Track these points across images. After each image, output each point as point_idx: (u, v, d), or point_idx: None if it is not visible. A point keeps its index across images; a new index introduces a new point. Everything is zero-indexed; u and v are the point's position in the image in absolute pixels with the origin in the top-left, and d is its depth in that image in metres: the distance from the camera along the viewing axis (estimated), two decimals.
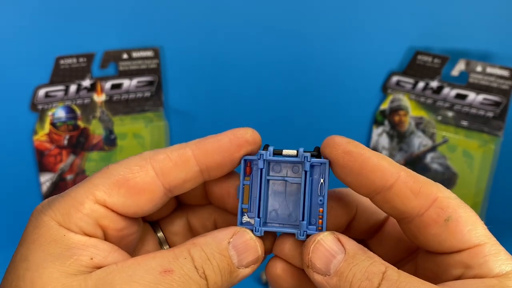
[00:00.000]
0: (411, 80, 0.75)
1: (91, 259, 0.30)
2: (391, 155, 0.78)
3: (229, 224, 0.36)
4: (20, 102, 0.70)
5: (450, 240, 0.31)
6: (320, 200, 0.33)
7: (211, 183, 0.36)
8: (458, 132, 0.74)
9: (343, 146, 0.32)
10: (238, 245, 0.33)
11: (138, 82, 0.74)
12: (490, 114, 0.71)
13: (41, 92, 0.70)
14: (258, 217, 0.34)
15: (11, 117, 0.71)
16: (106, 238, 0.32)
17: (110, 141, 0.75)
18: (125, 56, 0.73)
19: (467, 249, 0.30)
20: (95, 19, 0.71)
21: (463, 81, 0.72)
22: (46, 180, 0.73)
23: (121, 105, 0.75)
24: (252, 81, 0.77)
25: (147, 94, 0.75)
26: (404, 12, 0.73)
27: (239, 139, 0.33)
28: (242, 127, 0.34)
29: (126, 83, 0.74)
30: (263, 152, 0.34)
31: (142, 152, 0.34)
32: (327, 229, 0.33)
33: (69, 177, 0.74)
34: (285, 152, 0.34)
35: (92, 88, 0.72)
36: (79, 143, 0.74)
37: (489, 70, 0.70)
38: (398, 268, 0.30)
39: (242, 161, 0.34)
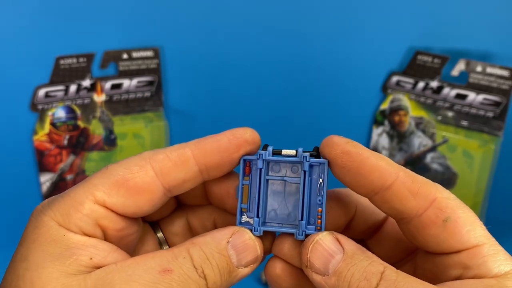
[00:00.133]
0: (411, 80, 0.75)
1: (91, 259, 0.30)
2: (391, 155, 0.78)
3: (229, 224, 0.36)
4: (20, 102, 0.70)
5: (449, 240, 0.31)
6: (319, 200, 0.33)
7: (211, 183, 0.36)
8: (458, 132, 0.74)
9: (341, 146, 0.32)
10: (237, 244, 0.33)
11: (138, 82, 0.74)
12: (490, 114, 0.71)
13: (41, 92, 0.70)
14: (257, 217, 0.34)
15: (11, 117, 0.71)
16: (105, 238, 0.33)
17: (110, 141, 0.75)
18: (125, 56, 0.73)
19: (465, 249, 0.30)
20: (95, 19, 0.71)
21: (463, 81, 0.72)
22: (46, 180, 0.73)
23: (121, 105, 0.75)
24: (252, 81, 0.77)
25: (147, 94, 0.75)
26: (404, 12, 0.73)
27: (238, 139, 0.33)
28: (242, 127, 0.34)
29: (126, 83, 0.74)
30: (262, 152, 0.34)
31: (142, 152, 0.34)
32: (326, 229, 0.33)
33: (69, 177, 0.74)
34: (284, 152, 0.34)
35: (92, 88, 0.72)
36: (79, 143, 0.74)
37: (489, 70, 0.70)
38: (397, 268, 0.30)
39: (241, 161, 0.34)
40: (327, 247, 0.32)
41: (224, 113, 0.78)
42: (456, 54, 0.72)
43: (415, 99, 0.75)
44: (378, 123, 0.78)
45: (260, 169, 0.34)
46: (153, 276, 0.29)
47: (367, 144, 0.80)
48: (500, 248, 0.31)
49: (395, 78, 0.76)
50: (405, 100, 0.76)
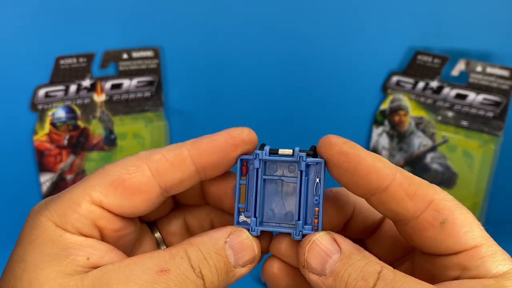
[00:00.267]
0: (411, 80, 0.75)
1: (88, 259, 0.30)
2: (391, 155, 0.78)
3: (226, 224, 0.36)
4: (20, 102, 0.70)
5: (447, 242, 0.31)
6: (316, 200, 0.33)
7: (208, 183, 0.36)
8: (458, 132, 0.74)
9: (338, 146, 0.32)
10: (234, 244, 0.33)
11: (138, 82, 0.74)
12: (490, 114, 0.71)
13: (41, 92, 0.70)
14: (255, 216, 0.34)
15: (11, 117, 0.71)
16: (103, 238, 0.32)
17: (110, 141, 0.75)
18: (125, 56, 0.73)
19: (464, 251, 0.30)
20: (95, 19, 0.71)
21: (463, 81, 0.72)
22: (46, 180, 0.73)
23: (121, 105, 0.75)
24: (252, 81, 0.77)
25: (147, 94, 0.75)
26: (404, 12, 0.73)
27: (235, 138, 0.33)
28: (239, 126, 0.34)
29: (126, 83, 0.74)
30: (259, 152, 0.34)
31: (139, 152, 0.34)
32: (323, 229, 0.33)
33: (69, 177, 0.74)
34: (281, 151, 0.34)
35: (92, 88, 0.72)
36: (79, 143, 0.74)
37: (489, 70, 0.70)
38: (395, 268, 0.30)
39: (238, 161, 0.34)
40: (324, 247, 0.31)
41: (224, 113, 0.78)
42: (456, 54, 0.72)
43: (415, 99, 0.75)
44: (378, 123, 0.78)
45: (257, 169, 0.34)
46: (150, 276, 0.29)
47: (367, 144, 0.80)
48: (498, 248, 0.31)
49: (395, 78, 0.76)
50: (405, 100, 0.76)
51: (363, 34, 0.74)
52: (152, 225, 0.39)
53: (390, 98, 0.77)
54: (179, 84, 0.77)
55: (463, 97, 0.72)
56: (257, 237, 0.34)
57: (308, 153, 0.33)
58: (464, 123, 0.73)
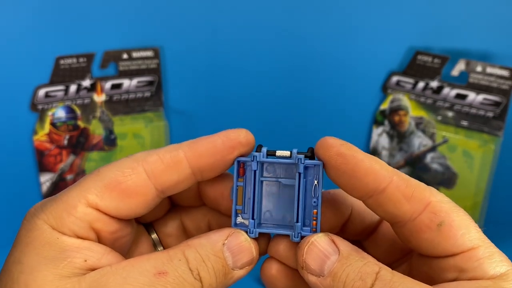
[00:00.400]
0: (411, 80, 0.75)
1: (85, 261, 0.30)
2: (391, 155, 0.78)
3: (223, 225, 0.36)
4: (20, 102, 0.70)
5: (444, 244, 0.31)
6: (314, 202, 0.33)
7: (204, 185, 0.36)
8: (458, 132, 0.74)
9: (336, 148, 0.32)
10: (232, 246, 0.33)
11: (138, 82, 0.74)
12: (490, 114, 0.71)
13: (41, 92, 0.70)
14: (253, 218, 0.34)
15: (11, 117, 0.71)
16: (99, 240, 0.32)
17: (110, 141, 0.75)
18: (125, 56, 0.73)
19: (461, 253, 0.30)
20: (95, 19, 0.71)
21: (463, 81, 0.72)
22: (46, 180, 0.73)
23: (121, 105, 0.75)
24: (252, 81, 0.77)
25: (147, 94, 0.75)
26: (404, 12, 0.73)
27: (232, 141, 0.33)
28: (236, 128, 0.34)
29: (126, 83, 0.74)
30: (257, 154, 0.33)
31: (135, 153, 0.34)
32: (321, 231, 0.33)
33: (69, 177, 0.74)
34: (278, 153, 0.34)
35: (92, 88, 0.72)
36: (79, 143, 0.74)
37: (489, 70, 0.70)
38: (393, 269, 0.30)
39: (236, 163, 0.34)
40: (322, 248, 0.32)
41: (224, 113, 0.78)
42: (456, 54, 0.72)
43: (415, 99, 0.75)
44: (378, 123, 0.78)
45: (255, 171, 0.34)
46: (148, 279, 0.29)
47: (367, 144, 0.80)
48: (496, 249, 0.31)
49: (395, 78, 0.76)
50: (405, 100, 0.76)
51: (363, 34, 0.74)
52: (148, 226, 0.39)
53: (390, 98, 0.77)
54: (179, 84, 0.77)
55: (463, 97, 0.72)
56: (255, 239, 0.34)
57: (306, 155, 0.33)
58: (464, 123, 0.73)
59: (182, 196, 0.37)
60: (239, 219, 0.34)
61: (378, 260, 0.31)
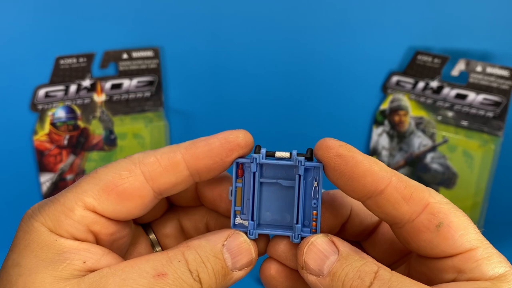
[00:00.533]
0: (411, 80, 0.75)
1: (84, 262, 0.30)
2: (391, 155, 0.78)
3: (222, 225, 0.36)
4: (20, 102, 0.70)
5: (442, 245, 0.31)
6: (314, 203, 0.33)
7: (203, 187, 0.36)
8: (458, 132, 0.74)
9: (335, 149, 0.31)
10: (232, 247, 0.33)
11: (138, 82, 0.74)
12: (490, 114, 0.71)
13: (41, 92, 0.70)
14: (252, 220, 0.34)
15: (11, 117, 0.71)
16: (97, 242, 0.32)
17: (110, 141, 0.75)
18: (125, 56, 0.73)
19: (459, 254, 0.30)
20: (95, 19, 0.71)
21: (463, 81, 0.72)
22: (46, 180, 0.73)
23: (121, 105, 0.75)
24: (252, 81, 0.77)
25: (147, 94, 0.75)
26: (404, 12, 0.73)
27: (231, 143, 0.33)
28: (235, 129, 0.33)
29: (126, 83, 0.74)
30: (256, 155, 0.33)
31: (132, 154, 0.33)
32: (321, 232, 0.33)
33: (69, 177, 0.74)
34: (277, 154, 0.34)
35: (92, 88, 0.72)
36: (79, 143, 0.74)
37: (489, 70, 0.70)
38: (392, 270, 0.30)
39: (234, 164, 0.34)
40: (322, 248, 0.32)
41: (224, 113, 0.78)
42: (456, 54, 0.72)
43: (415, 99, 0.75)
44: (378, 123, 0.78)
45: (254, 173, 0.34)
46: (147, 281, 0.29)
47: (367, 144, 0.80)
48: (494, 251, 0.31)
49: (395, 78, 0.76)
50: (405, 100, 0.76)
51: (363, 34, 0.74)
52: (146, 227, 0.39)
53: (390, 98, 0.77)
54: (179, 84, 0.77)
55: (463, 97, 0.72)
56: (254, 240, 0.34)
57: (306, 156, 0.33)
58: (464, 123, 0.73)
59: (180, 197, 0.37)
60: (238, 220, 0.34)
61: (377, 261, 0.31)
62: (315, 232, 0.33)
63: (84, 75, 0.72)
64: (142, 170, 0.32)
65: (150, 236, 0.39)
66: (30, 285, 0.29)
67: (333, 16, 0.74)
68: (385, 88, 0.77)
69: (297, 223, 0.33)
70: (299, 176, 0.33)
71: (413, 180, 0.32)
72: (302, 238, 0.33)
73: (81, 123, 0.73)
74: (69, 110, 0.72)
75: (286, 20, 0.74)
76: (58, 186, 0.74)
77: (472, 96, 0.72)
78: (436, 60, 0.73)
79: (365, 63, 0.76)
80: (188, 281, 0.30)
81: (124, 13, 0.72)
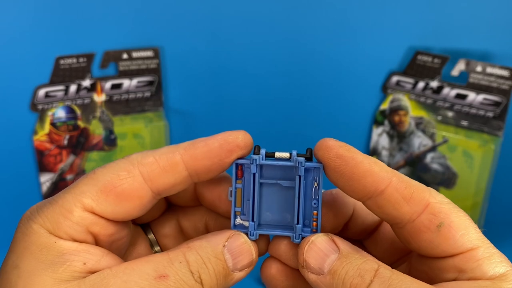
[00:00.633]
0: (411, 80, 0.75)
1: (84, 264, 0.30)
2: (391, 155, 0.78)
3: (221, 225, 0.36)
4: (20, 102, 0.70)
5: (443, 245, 0.31)
6: (314, 203, 0.33)
7: (202, 188, 0.36)
8: (458, 132, 0.74)
9: (335, 150, 0.32)
10: (233, 248, 0.33)
11: (138, 82, 0.74)
12: (490, 114, 0.71)
13: (41, 92, 0.70)
14: (252, 221, 0.34)
15: (11, 117, 0.71)
16: (97, 243, 0.32)
17: (110, 141, 0.75)
18: (125, 56, 0.73)
19: (460, 253, 0.30)
20: (95, 19, 0.71)
21: (463, 81, 0.72)
22: (46, 180, 0.73)
23: (121, 105, 0.75)
24: (252, 81, 0.77)
25: (147, 94, 0.75)
26: (404, 12, 0.73)
27: (230, 144, 0.33)
28: (235, 129, 0.33)
29: (126, 83, 0.74)
30: (256, 157, 0.33)
31: (131, 154, 0.33)
32: (322, 231, 0.33)
33: (69, 177, 0.74)
34: (277, 154, 0.33)
35: (92, 88, 0.72)
36: (79, 143, 0.74)
37: (489, 70, 0.70)
38: (394, 269, 0.30)
39: (234, 165, 0.33)
40: (322, 247, 0.32)
41: (224, 113, 0.78)
42: (456, 54, 0.72)
43: (415, 99, 0.75)
44: (378, 123, 0.78)
45: (254, 174, 0.33)
46: (148, 282, 0.29)
47: (367, 144, 0.80)
48: (495, 250, 0.31)
49: (395, 78, 0.76)
50: (405, 100, 0.76)
51: (363, 34, 0.74)
52: (145, 227, 0.39)
53: (390, 98, 0.77)
54: (179, 84, 0.77)
55: (463, 97, 0.72)
56: (255, 240, 0.34)
57: (305, 157, 0.33)
58: (464, 123, 0.73)
59: (179, 197, 0.37)
60: (238, 221, 0.34)
61: (379, 259, 0.31)
62: (316, 232, 0.33)
63: (84, 75, 0.72)
64: (140, 171, 0.32)
65: (149, 236, 0.39)
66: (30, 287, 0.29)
67: (333, 16, 0.74)
68: (385, 88, 0.77)
69: (297, 223, 0.33)
70: (299, 176, 0.33)
71: (413, 180, 0.32)
72: (302, 238, 0.33)
73: (81, 123, 0.73)
74: (69, 110, 0.72)
75: (286, 20, 0.74)
76: (58, 186, 0.74)
77: (472, 96, 0.72)
78: (436, 60, 0.73)
79: (365, 63, 0.76)
80: (189, 283, 0.30)
81: (124, 13, 0.72)
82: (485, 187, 0.73)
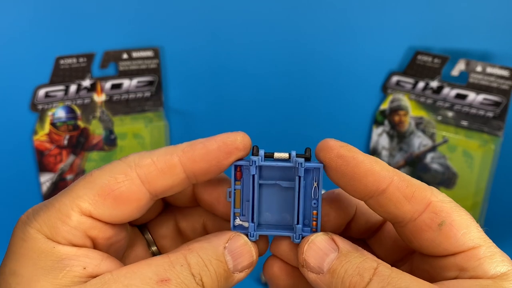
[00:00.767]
0: (411, 80, 0.75)
1: (84, 268, 0.30)
2: (391, 155, 0.78)
3: (220, 226, 0.36)
4: (20, 102, 0.70)
5: (444, 244, 0.31)
6: (314, 203, 0.33)
7: (200, 190, 0.36)
8: (458, 132, 0.74)
9: (336, 150, 0.32)
10: (233, 250, 0.33)
11: (138, 82, 0.74)
12: (490, 114, 0.71)
13: (41, 92, 0.70)
14: (252, 222, 0.34)
15: (11, 117, 0.71)
16: (95, 246, 0.32)
17: (110, 141, 0.75)
18: (125, 56, 0.73)
19: (461, 252, 0.30)
20: (95, 19, 0.71)
21: (463, 81, 0.72)
22: (46, 180, 0.73)
23: (121, 105, 0.75)
24: (252, 81, 0.77)
25: (147, 94, 0.75)
26: (404, 12, 0.73)
27: (229, 146, 0.32)
28: (234, 131, 0.33)
29: (126, 83, 0.74)
30: (255, 158, 0.33)
31: (128, 155, 0.33)
32: (325, 230, 0.34)
33: (69, 177, 0.74)
34: (276, 155, 0.33)
35: (92, 88, 0.72)
36: (79, 143, 0.74)
37: (489, 70, 0.70)
38: (397, 268, 0.30)
39: (233, 167, 0.33)
40: (321, 246, 0.32)
41: (224, 113, 0.78)
42: (456, 54, 0.72)
43: (415, 99, 0.75)
44: (378, 123, 0.78)
45: (253, 175, 0.33)
46: (150, 287, 0.29)
47: (367, 144, 0.80)
48: (497, 249, 0.31)
49: (395, 78, 0.76)
50: (405, 100, 0.76)
51: (363, 34, 0.74)
52: (142, 228, 0.39)
53: (390, 98, 0.77)
54: (179, 84, 0.77)
55: (463, 97, 0.72)
56: (255, 241, 0.34)
57: (304, 157, 0.33)
58: (464, 123, 0.73)
59: (176, 198, 0.37)
60: (238, 221, 0.34)
61: (382, 259, 0.31)
62: (316, 231, 0.33)
63: (84, 75, 0.72)
64: (138, 173, 0.32)
65: (147, 238, 0.38)
66: None
67: (333, 16, 0.74)
68: (385, 88, 0.77)
69: (297, 223, 0.33)
70: (299, 177, 0.33)
71: (415, 179, 0.32)
72: (302, 238, 0.33)
73: (81, 123, 0.73)
74: (69, 110, 0.72)
75: (286, 20, 0.74)
76: (58, 186, 0.74)
77: (472, 96, 0.72)
78: (436, 60, 0.73)
79: (365, 63, 0.76)
80: (191, 286, 0.30)
81: (124, 13, 0.72)
82: (485, 187, 0.73)
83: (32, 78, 0.70)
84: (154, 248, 0.38)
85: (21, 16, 0.68)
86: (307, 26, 0.74)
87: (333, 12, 0.73)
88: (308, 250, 0.32)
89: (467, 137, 0.73)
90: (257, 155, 0.33)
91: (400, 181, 0.31)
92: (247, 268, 0.33)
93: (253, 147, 0.34)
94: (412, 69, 0.74)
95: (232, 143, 0.32)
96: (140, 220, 0.38)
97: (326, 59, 0.76)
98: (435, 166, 0.76)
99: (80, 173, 0.75)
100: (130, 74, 0.74)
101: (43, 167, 0.73)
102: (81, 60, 0.71)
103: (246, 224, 0.34)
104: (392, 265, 0.30)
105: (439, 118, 0.74)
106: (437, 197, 0.31)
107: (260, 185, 0.34)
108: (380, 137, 0.78)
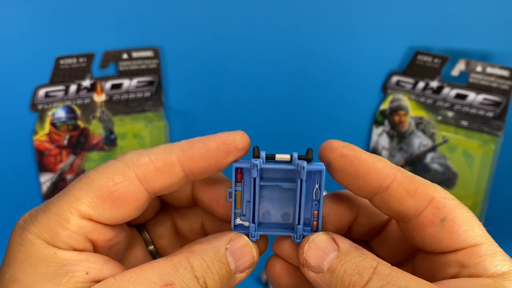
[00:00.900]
0: (411, 80, 0.75)
1: (87, 273, 0.29)
2: (391, 155, 0.78)
3: (218, 226, 0.36)
4: (20, 102, 0.70)
5: (446, 240, 0.31)
6: (315, 204, 0.33)
7: (199, 191, 0.36)
8: (458, 132, 0.74)
9: (339, 150, 0.32)
10: (235, 251, 0.32)
11: (138, 82, 0.74)
12: (490, 114, 0.71)
13: (41, 92, 0.70)
14: (253, 222, 0.34)
15: (11, 117, 0.71)
16: (95, 249, 0.32)
17: (110, 141, 0.75)
18: (125, 56, 0.73)
19: (463, 248, 0.30)
20: (95, 19, 0.71)
21: (463, 81, 0.72)
22: (46, 180, 0.73)
23: (121, 105, 0.75)
24: (252, 81, 0.77)
25: (147, 94, 0.75)
26: (404, 12, 0.73)
27: (228, 145, 0.32)
28: (233, 130, 0.33)
29: (126, 83, 0.74)
30: (256, 161, 0.32)
31: (125, 154, 0.32)
32: (324, 230, 0.34)
33: (69, 177, 0.74)
34: (278, 157, 0.33)
35: (92, 88, 0.72)
36: (79, 143, 0.74)
37: (489, 70, 0.70)
38: (400, 269, 0.30)
39: (233, 169, 0.33)
40: (321, 246, 0.32)
41: (224, 113, 0.78)
42: (456, 54, 0.72)
43: (415, 99, 0.75)
44: (378, 123, 0.78)
45: (254, 178, 0.33)
46: None
47: (367, 144, 0.80)
48: (499, 248, 0.31)
49: (395, 78, 0.76)
50: (405, 100, 0.76)
51: (363, 34, 0.74)
52: (140, 228, 0.38)
53: (390, 98, 0.77)
54: (179, 84, 0.77)
55: (463, 97, 0.72)
56: (256, 241, 0.34)
57: (306, 158, 0.33)
58: (464, 123, 0.73)
59: (174, 198, 0.37)
60: (238, 221, 0.34)
61: (385, 260, 0.31)
62: (316, 231, 0.33)
63: (84, 75, 0.72)
64: (136, 173, 0.31)
65: (145, 238, 0.38)
66: None
67: (333, 17, 0.74)
68: (385, 88, 0.77)
69: (298, 224, 0.33)
70: (301, 180, 0.33)
71: (417, 176, 0.32)
72: (303, 238, 0.33)
73: (81, 123, 0.73)
74: (69, 110, 0.72)
75: (286, 20, 0.74)
76: (58, 186, 0.74)
77: (472, 96, 0.72)
78: (436, 60, 0.73)
79: (365, 63, 0.76)
80: None
81: (124, 13, 0.72)
82: (485, 187, 0.73)
83: (32, 78, 0.70)
84: (151, 247, 0.38)
85: (21, 16, 0.68)
86: (307, 26, 0.74)
87: (333, 12, 0.73)
88: (308, 249, 0.32)
89: (467, 137, 0.73)
90: (258, 156, 0.33)
91: (403, 178, 0.31)
92: (249, 268, 0.33)
93: (254, 148, 0.33)
94: (412, 69, 0.74)
95: (232, 142, 0.32)
96: (137, 220, 0.37)
97: (326, 59, 0.76)
98: (435, 166, 0.76)
99: (80, 173, 0.75)
100: (130, 74, 0.74)
101: (43, 167, 0.73)
102: (81, 60, 0.71)
103: (246, 224, 0.34)
104: (396, 266, 0.30)
105: (439, 118, 0.74)
106: (440, 194, 0.31)
107: (261, 186, 0.34)
108: (380, 137, 0.78)
